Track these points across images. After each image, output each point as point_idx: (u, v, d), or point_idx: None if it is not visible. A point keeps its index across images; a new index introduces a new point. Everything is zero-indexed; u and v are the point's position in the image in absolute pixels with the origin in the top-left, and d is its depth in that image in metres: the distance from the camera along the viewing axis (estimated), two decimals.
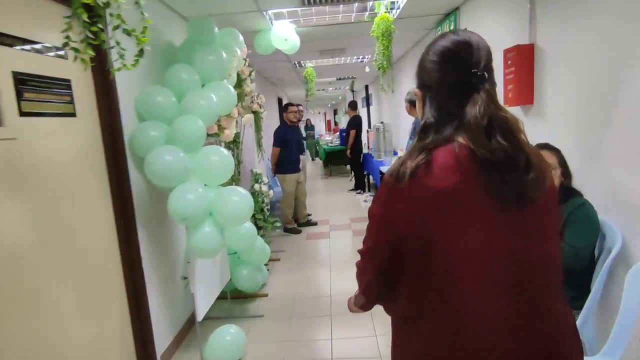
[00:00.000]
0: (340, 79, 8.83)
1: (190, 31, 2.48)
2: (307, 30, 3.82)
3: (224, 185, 2.74)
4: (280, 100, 9.44)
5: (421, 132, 0.82)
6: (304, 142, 8.83)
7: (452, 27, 3.64)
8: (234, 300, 3.13)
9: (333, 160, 9.99)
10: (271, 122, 5.19)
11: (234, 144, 3.73)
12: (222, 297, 2.90)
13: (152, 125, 2.08)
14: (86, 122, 1.88)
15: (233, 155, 3.80)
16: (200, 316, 2.23)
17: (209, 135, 2.53)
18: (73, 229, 1.74)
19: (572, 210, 1.63)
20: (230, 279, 2.94)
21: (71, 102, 1.78)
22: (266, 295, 3.21)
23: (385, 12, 3.27)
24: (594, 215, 1.64)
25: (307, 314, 2.88)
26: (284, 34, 3.31)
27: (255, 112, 4.06)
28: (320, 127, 22.07)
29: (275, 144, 4.86)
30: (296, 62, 5.98)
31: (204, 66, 2.33)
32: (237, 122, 3.42)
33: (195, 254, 2.05)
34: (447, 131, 0.78)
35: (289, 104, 5.09)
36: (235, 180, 3.79)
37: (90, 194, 1.90)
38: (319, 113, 24.95)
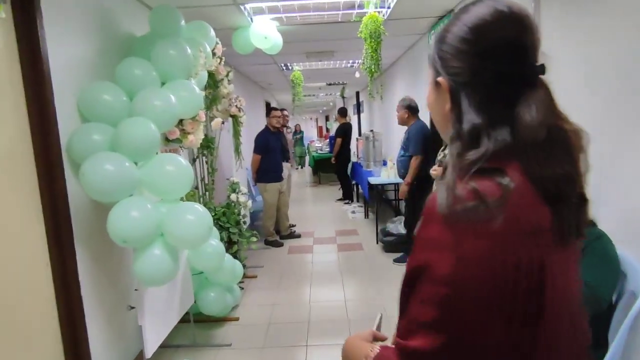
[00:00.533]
0: (330, 84, 8.59)
1: (152, 22, 2.18)
2: (290, 28, 3.54)
3: (190, 198, 2.43)
4: (268, 105, 9.15)
5: (470, 140, 0.56)
6: (292, 149, 8.61)
7: None
8: (199, 324, 2.80)
9: (322, 168, 9.73)
10: (259, 127, 4.91)
11: (207, 151, 3.42)
12: (185, 319, 2.57)
13: (95, 128, 1.77)
14: (8, 123, 1.56)
15: (207, 162, 3.51)
16: (149, 352, 1.90)
17: (170, 141, 2.23)
18: None
19: (586, 244, 1.35)
20: (195, 302, 2.62)
21: None
22: (237, 320, 2.89)
23: (375, 12, 3.01)
24: (613, 249, 1.37)
25: (281, 343, 2.56)
26: (263, 32, 3.03)
27: (234, 116, 3.77)
28: (312, 133, 21.82)
29: (255, 151, 4.56)
30: (283, 65, 5.70)
31: (164, 62, 2.03)
32: (206, 126, 3.13)
33: (142, 281, 1.74)
34: (504, 138, 0.54)
35: (273, 108, 4.80)
36: (208, 189, 3.48)
37: (13, 210, 1.57)
38: (311, 119, 24.71)
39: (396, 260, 3.83)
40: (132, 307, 1.90)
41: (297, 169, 12.39)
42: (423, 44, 4.23)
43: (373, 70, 3.04)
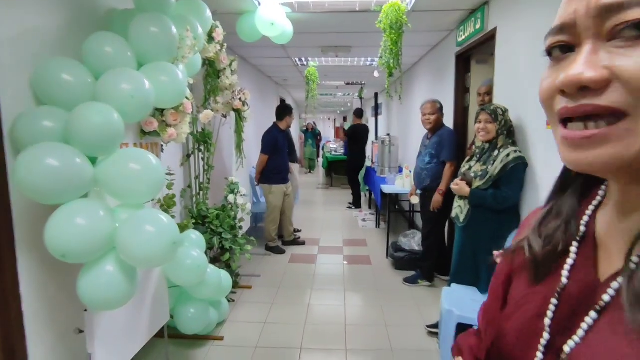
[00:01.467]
0: (348, 83, 8.22)
1: None
2: (303, 17, 3.20)
3: (169, 202, 2.12)
4: (282, 102, 8.85)
5: None
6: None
7: (477, 27, 3.00)
8: (175, 340, 2.48)
9: (336, 170, 9.42)
10: (269, 124, 4.59)
11: (204, 146, 3.11)
12: (158, 334, 2.26)
13: (47, 113, 1.46)
14: None
15: (203, 158, 3.20)
16: None
17: (146, 134, 1.91)
18: None
19: None
20: (172, 317, 2.30)
21: None
22: (220, 339, 2.56)
23: (397, 0, 2.64)
24: None
25: None
26: (270, 17, 2.69)
27: (236, 110, 3.44)
28: (329, 134, 21.49)
29: (263, 151, 4.22)
30: (297, 60, 5.37)
31: (143, 40, 1.71)
32: (196, 119, 2.82)
33: (87, 305, 1.42)
34: None
35: (290, 109, 4.46)
36: (203, 189, 3.17)
37: None
38: (328, 119, 24.35)
39: (407, 281, 3.44)
40: (82, 331, 1.58)
41: (306, 172, 11.53)
42: (449, 43, 3.82)
43: (392, 65, 2.67)
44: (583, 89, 0.35)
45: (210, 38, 2.53)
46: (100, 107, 1.41)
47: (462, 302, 2.14)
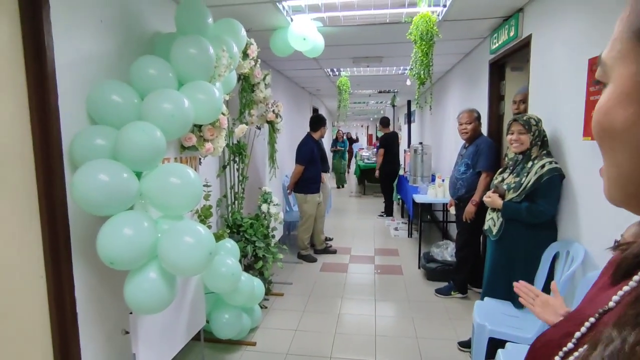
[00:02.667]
0: (381, 91, 8.23)
1: (178, 19, 2.01)
2: (334, 30, 3.28)
3: (206, 212, 2.24)
4: (315, 111, 8.98)
5: None
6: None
7: (511, 34, 2.94)
8: (211, 344, 2.59)
9: (368, 178, 9.40)
10: (303, 134, 4.70)
11: (239, 157, 3.24)
12: (195, 337, 2.37)
13: (100, 131, 1.61)
14: (9, 125, 1.43)
15: (238, 169, 3.33)
16: None
17: (186, 148, 2.04)
18: None
19: None
20: (208, 321, 2.41)
21: None
22: (253, 345, 2.64)
23: (427, 11, 2.65)
24: None
25: None
26: (302, 32, 2.79)
27: (270, 122, 3.57)
28: (362, 141, 21.48)
29: (299, 162, 4.31)
30: (329, 71, 5.46)
31: (183, 61, 1.84)
32: (232, 132, 2.94)
33: (132, 308, 1.54)
34: None
35: (325, 120, 4.55)
36: (238, 198, 3.29)
37: (8, 217, 1.45)
38: (362, 126, 24.34)
39: (439, 292, 3.39)
40: (127, 332, 1.71)
41: (337, 187, 9.91)
42: (482, 50, 3.76)
43: (423, 77, 2.68)
44: None
45: (245, 55, 2.66)
46: (144, 126, 1.53)
47: (495, 316, 2.10)
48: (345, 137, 10.39)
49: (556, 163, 2.12)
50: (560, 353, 0.45)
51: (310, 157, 4.30)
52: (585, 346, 0.38)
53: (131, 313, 1.66)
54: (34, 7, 1.49)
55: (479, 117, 3.16)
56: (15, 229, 1.49)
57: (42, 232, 1.59)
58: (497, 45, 3.26)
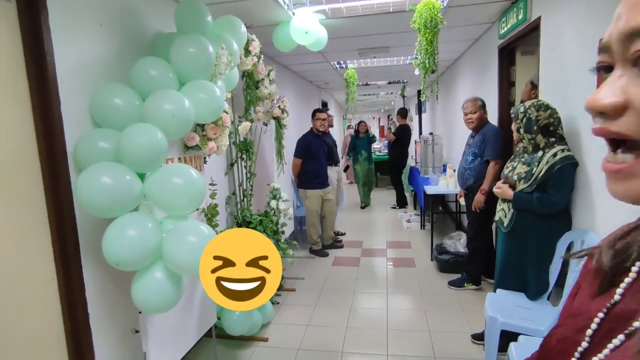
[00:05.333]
0: (391, 82, 8.12)
1: (178, 18, 2.01)
2: (337, 22, 3.23)
3: (212, 211, 2.25)
4: (325, 105, 8.93)
5: None
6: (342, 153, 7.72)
7: (520, 17, 2.84)
8: (224, 340, 2.62)
9: (380, 171, 9.33)
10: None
11: (246, 154, 3.25)
12: (207, 334, 2.41)
13: (103, 135, 1.62)
14: (8, 127, 1.46)
15: (245, 166, 3.34)
16: None
17: (189, 148, 2.05)
18: None
19: None
20: (219, 318, 2.44)
21: None
22: (265, 340, 2.66)
23: None
24: None
25: None
26: (304, 26, 2.76)
27: (276, 118, 3.56)
28: (374, 133, 21.25)
29: (296, 154, 4.31)
30: (336, 64, 5.41)
31: (182, 61, 1.84)
32: (236, 130, 2.94)
33: (140, 308, 1.56)
34: None
35: (317, 110, 4.50)
36: (247, 195, 3.30)
37: (18, 221, 1.48)
38: (373, 118, 24.13)
39: (452, 284, 3.35)
40: (137, 331, 1.74)
41: (362, 207, 6.80)
42: (491, 35, 3.66)
43: (428, 65, 2.62)
44: (602, 113, 0.35)
45: (247, 51, 2.65)
46: (145, 128, 1.54)
47: (507, 308, 2.05)
48: (369, 132, 6.91)
49: (569, 151, 2.05)
50: (580, 348, 0.45)
51: (306, 150, 4.27)
52: (620, 337, 0.39)
53: (140, 312, 1.68)
54: (33, 14, 1.51)
55: (483, 105, 3.08)
56: (26, 233, 1.52)
57: (51, 235, 1.62)
58: (505, 29, 3.17)
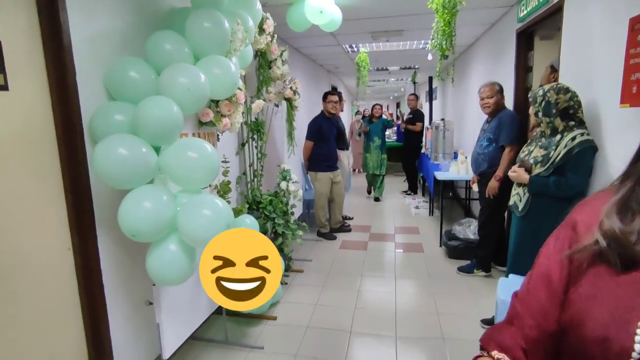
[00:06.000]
0: (402, 68, 8.00)
1: None
2: (352, 3, 3.17)
3: (225, 187, 2.25)
4: (335, 89, 8.84)
5: None
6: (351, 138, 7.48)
7: (541, 0, 2.76)
8: (233, 318, 2.66)
9: (389, 157, 9.27)
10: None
11: (257, 135, 3.24)
12: (217, 311, 2.44)
13: (118, 107, 1.62)
14: (25, 99, 1.46)
15: (256, 147, 3.33)
16: (167, 353, 1.76)
17: (204, 124, 2.04)
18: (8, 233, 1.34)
19: None
20: None
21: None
22: (274, 319, 2.69)
23: None
24: None
25: (316, 353, 2.30)
26: (319, 5, 2.70)
27: (288, 99, 3.53)
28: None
29: (308, 137, 4.28)
30: (348, 47, 5.32)
31: (197, 36, 1.82)
32: (250, 109, 2.91)
33: (154, 279, 1.57)
34: None
35: (329, 93, 4.46)
36: (257, 176, 3.31)
37: (35, 193, 1.49)
38: (381, 106, 23.90)
39: (461, 269, 3.34)
40: (151, 303, 1.76)
41: (377, 199, 6.17)
42: (509, 19, 3.56)
43: (445, 47, 2.56)
44: None
45: (261, 30, 2.61)
46: (160, 101, 1.53)
47: None
48: (385, 115, 6.22)
49: (588, 135, 2.01)
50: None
51: (318, 132, 4.24)
52: None
53: (154, 285, 1.70)
54: None
55: (501, 90, 3.02)
56: (42, 204, 1.53)
57: (66, 206, 1.64)
58: (525, 12, 3.08)
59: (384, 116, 6.20)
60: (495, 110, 3.00)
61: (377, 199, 6.20)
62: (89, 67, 1.63)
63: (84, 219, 1.67)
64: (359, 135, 6.52)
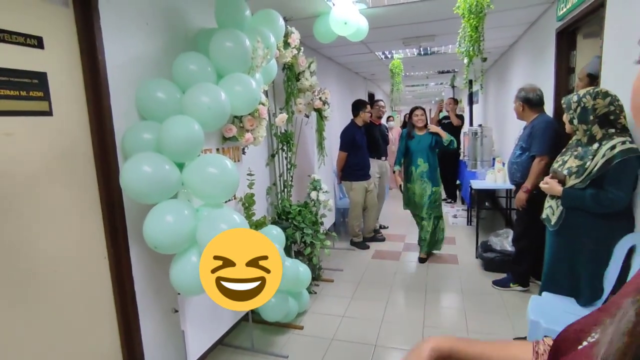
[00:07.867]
0: (441, 72, 7.79)
1: (218, 14, 2.08)
2: (379, 11, 3.16)
3: (248, 202, 2.33)
4: (372, 96, 8.80)
5: None
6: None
7: None
8: (261, 325, 2.71)
9: None
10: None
11: (286, 146, 3.31)
12: (244, 317, 2.51)
13: (147, 127, 1.74)
14: (67, 122, 1.61)
15: (286, 158, 3.40)
16: (192, 359, 1.84)
17: (227, 139, 2.13)
18: (50, 246, 1.49)
19: None
20: None
21: (45, 98, 1.53)
22: (301, 328, 2.72)
23: None
24: None
25: None
26: (343, 17, 2.73)
27: (317, 110, 3.58)
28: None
29: (342, 148, 4.28)
30: (381, 54, 5.29)
31: (220, 55, 1.91)
32: (290, 121, 2.98)
33: (177, 290, 1.66)
34: None
35: (364, 102, 4.42)
36: (287, 186, 3.37)
37: (75, 205, 1.64)
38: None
39: (496, 284, 3.18)
40: (177, 311, 1.86)
41: (422, 259, 3.96)
42: (549, 17, 3.37)
43: (472, 53, 2.48)
44: None
45: (286, 44, 2.68)
46: (182, 120, 1.62)
47: (552, 313, 1.91)
48: (434, 129, 3.88)
49: (631, 142, 1.84)
50: (589, 338, 0.45)
51: (351, 142, 4.22)
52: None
53: (179, 293, 1.79)
54: (87, 17, 1.64)
55: (525, 98, 2.82)
56: (82, 216, 1.68)
57: (102, 218, 1.78)
58: (565, 10, 2.91)
59: (431, 128, 3.81)
60: (521, 117, 2.85)
61: (422, 260, 3.93)
62: (122, 89, 1.77)
63: (117, 230, 1.80)
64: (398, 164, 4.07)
